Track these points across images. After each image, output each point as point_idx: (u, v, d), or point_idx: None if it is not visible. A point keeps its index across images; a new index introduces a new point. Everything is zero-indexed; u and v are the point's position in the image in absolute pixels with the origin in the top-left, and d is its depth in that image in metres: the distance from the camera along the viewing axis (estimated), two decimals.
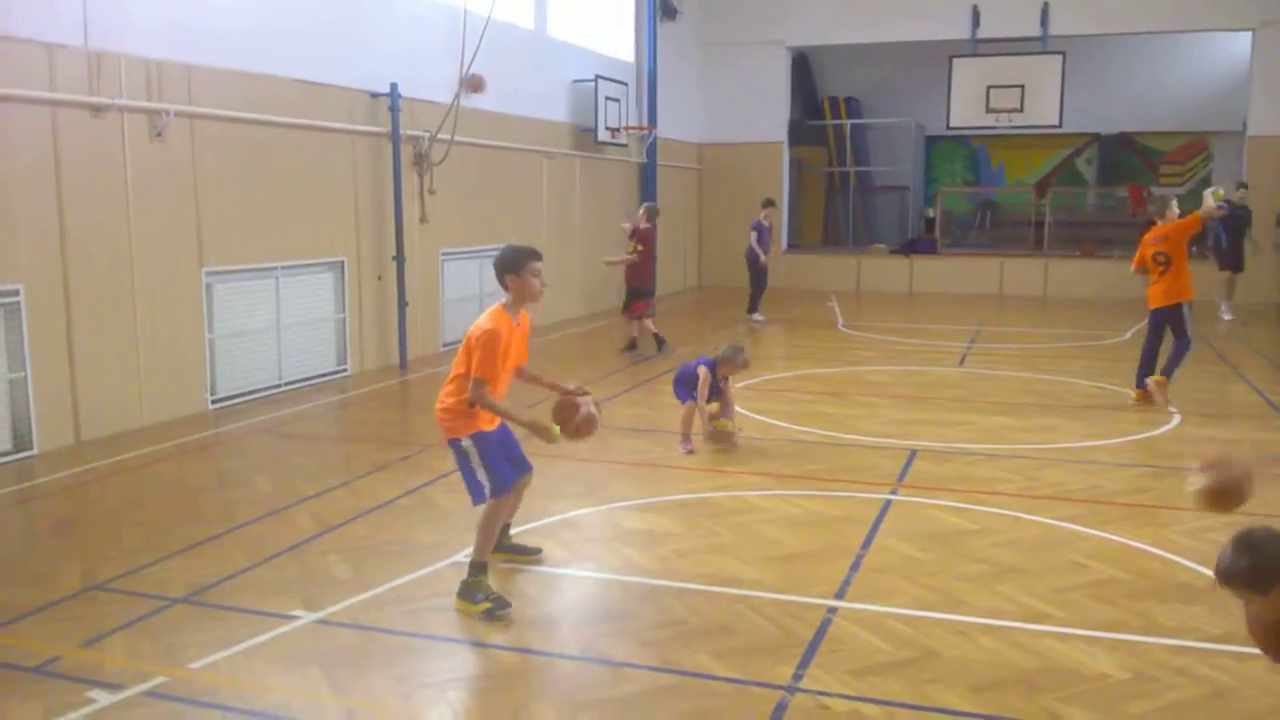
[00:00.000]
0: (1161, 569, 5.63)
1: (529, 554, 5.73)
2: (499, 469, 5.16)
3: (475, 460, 5.12)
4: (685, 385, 8.36)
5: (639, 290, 13.24)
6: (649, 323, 13.19)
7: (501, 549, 5.64)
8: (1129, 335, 14.86)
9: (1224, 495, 4.06)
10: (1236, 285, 16.96)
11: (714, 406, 8.37)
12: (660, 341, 12.98)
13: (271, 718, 4.07)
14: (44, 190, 8.04)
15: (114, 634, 4.79)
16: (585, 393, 5.31)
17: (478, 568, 5.11)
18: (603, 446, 8.39)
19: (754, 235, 16.16)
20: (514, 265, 5.12)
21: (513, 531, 5.82)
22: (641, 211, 13.46)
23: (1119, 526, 6.29)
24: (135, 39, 8.71)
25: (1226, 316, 16.38)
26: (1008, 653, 4.60)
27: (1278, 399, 10.17)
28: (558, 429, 5.13)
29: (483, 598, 5.00)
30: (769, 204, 16.65)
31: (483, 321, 5.04)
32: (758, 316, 16.40)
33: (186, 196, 9.29)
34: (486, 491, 5.13)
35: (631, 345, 13.10)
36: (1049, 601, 5.17)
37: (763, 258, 16.12)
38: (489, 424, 5.18)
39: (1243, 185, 17.16)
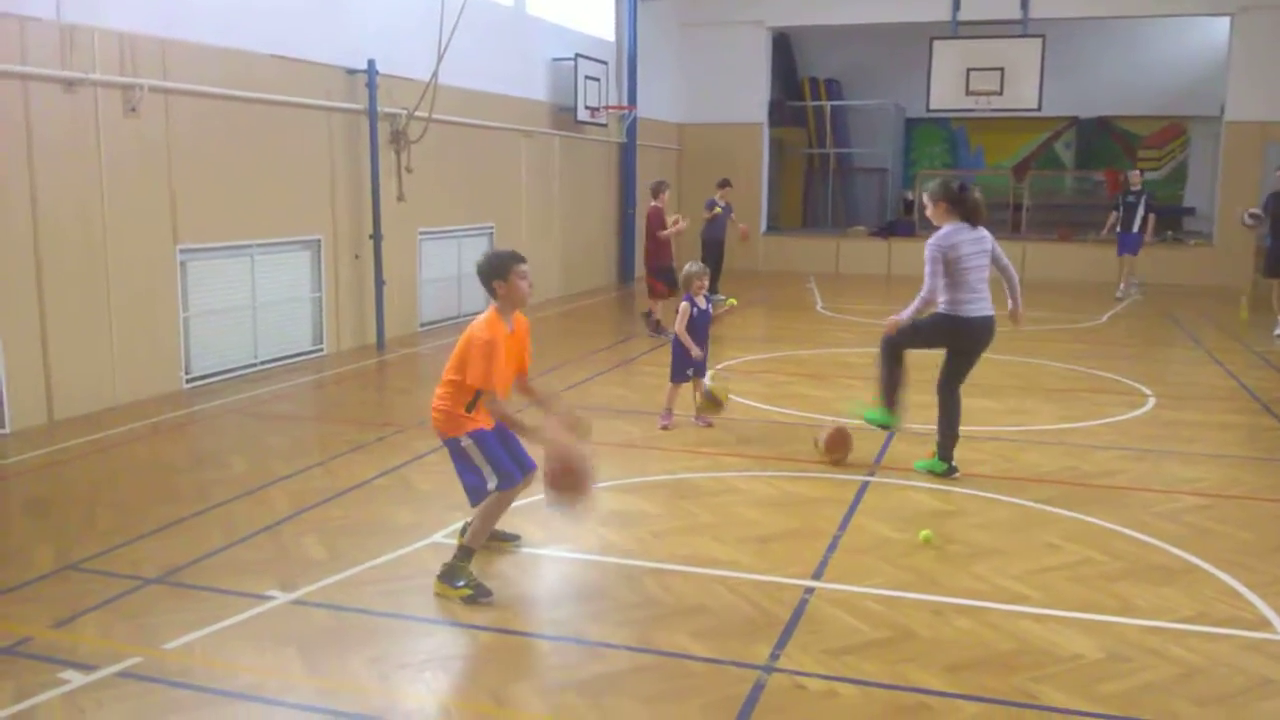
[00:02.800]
0: (1136, 550, 5.67)
1: (508, 540, 5.69)
2: (503, 463, 5.05)
3: (477, 457, 5.02)
4: (677, 357, 8.38)
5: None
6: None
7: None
8: (1105, 319, 14.96)
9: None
10: None
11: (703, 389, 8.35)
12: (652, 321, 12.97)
13: (246, 699, 4.05)
14: (15, 166, 7.93)
15: (87, 614, 4.75)
16: (576, 420, 5.19)
17: (465, 553, 5.04)
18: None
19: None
20: (500, 270, 5.03)
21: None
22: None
23: (1094, 508, 6.33)
24: (108, 12, 8.59)
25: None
26: (983, 633, 4.63)
27: (1250, 382, 10.26)
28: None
29: (463, 584, 4.95)
30: (725, 184, 16.51)
31: (478, 330, 4.94)
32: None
33: (161, 173, 9.19)
34: (491, 486, 5.02)
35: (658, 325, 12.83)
36: (1024, 582, 5.20)
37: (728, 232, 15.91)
38: (488, 421, 5.09)
39: None
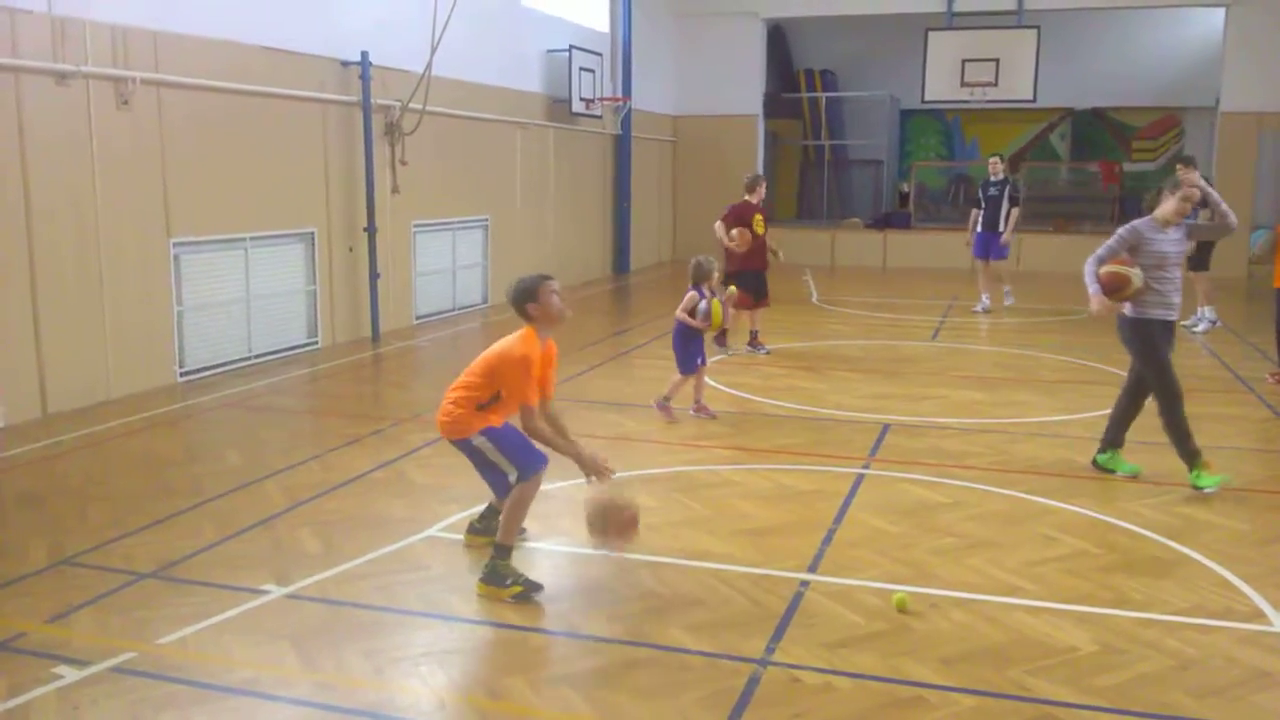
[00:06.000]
0: (1130, 543, 5.67)
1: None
2: (523, 452, 5.00)
3: (492, 454, 5.01)
4: (683, 347, 8.37)
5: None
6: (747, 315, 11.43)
7: (482, 532, 5.50)
8: None
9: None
10: None
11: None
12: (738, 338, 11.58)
13: (241, 693, 4.04)
14: (8, 159, 7.88)
15: (81, 609, 4.74)
16: (608, 472, 5.12)
17: (503, 550, 4.96)
18: (577, 420, 8.36)
19: None
20: (531, 293, 5.01)
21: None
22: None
23: (1089, 500, 6.34)
24: (100, 4, 8.54)
25: None
26: (978, 626, 4.63)
27: (1244, 373, 10.27)
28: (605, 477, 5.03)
29: (511, 582, 4.89)
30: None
31: (514, 345, 4.95)
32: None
33: (153, 166, 9.15)
34: (512, 479, 5.01)
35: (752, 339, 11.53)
36: (1019, 575, 5.20)
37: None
38: (497, 420, 5.05)
39: None
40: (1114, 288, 6.47)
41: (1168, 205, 6.50)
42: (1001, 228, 14.23)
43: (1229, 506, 6.29)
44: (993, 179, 14.44)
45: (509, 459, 5.01)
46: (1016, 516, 6.09)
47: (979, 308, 14.50)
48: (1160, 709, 3.94)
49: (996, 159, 14.69)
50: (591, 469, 5.08)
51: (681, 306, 8.34)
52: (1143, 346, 6.65)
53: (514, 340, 4.99)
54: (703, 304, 8.28)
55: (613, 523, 4.89)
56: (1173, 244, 6.54)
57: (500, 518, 5.10)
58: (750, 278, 11.06)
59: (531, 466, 5.02)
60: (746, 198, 11.23)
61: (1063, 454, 7.44)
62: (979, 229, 14.45)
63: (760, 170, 21.75)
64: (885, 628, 4.60)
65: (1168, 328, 6.64)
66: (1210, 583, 5.13)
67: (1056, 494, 6.46)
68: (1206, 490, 6.42)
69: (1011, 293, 15.03)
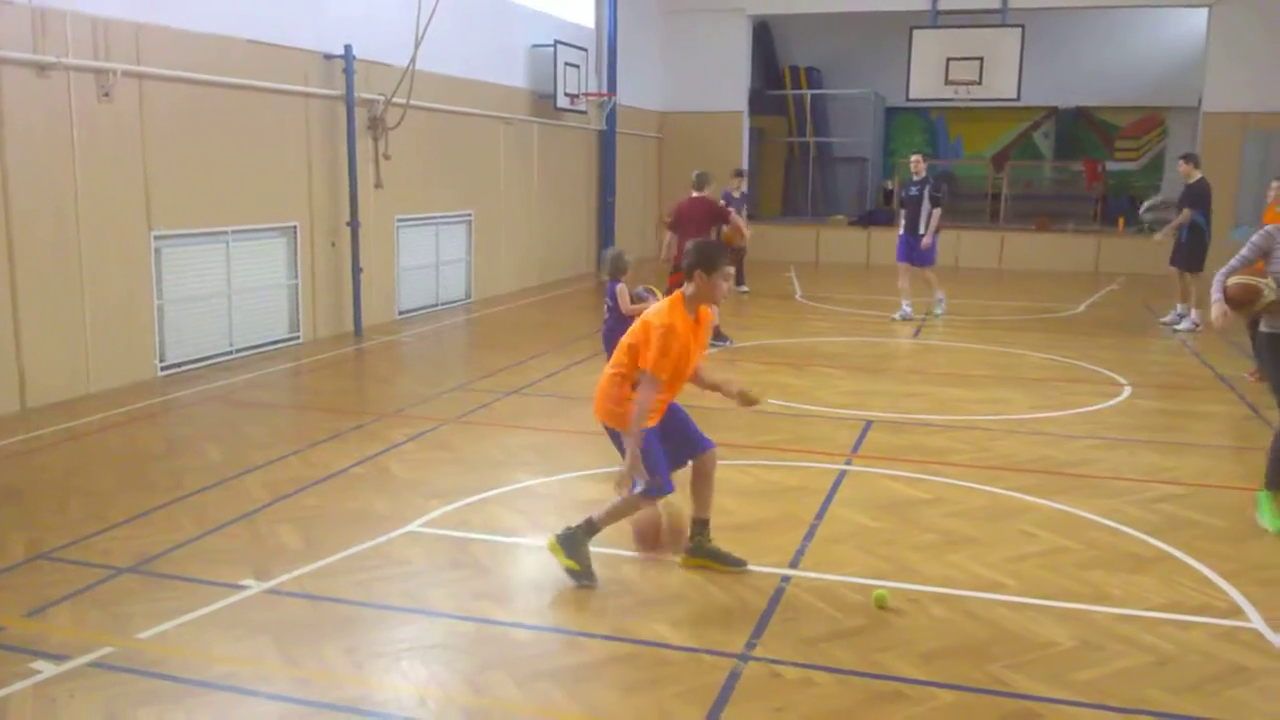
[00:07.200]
0: (1110, 539, 5.70)
1: (731, 564, 5.23)
2: (659, 472, 4.87)
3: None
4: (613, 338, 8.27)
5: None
6: None
7: (703, 554, 5.24)
8: (1082, 308, 15.04)
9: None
10: None
11: None
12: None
13: (220, 688, 4.02)
14: None
15: (59, 604, 4.71)
16: (753, 401, 5.29)
17: (589, 526, 5.02)
18: (561, 416, 8.38)
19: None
20: (711, 263, 4.88)
21: (480, 497, 5.75)
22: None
23: (1069, 497, 6.37)
24: None
25: None
26: (958, 621, 4.65)
27: (1225, 371, 10.32)
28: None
29: (577, 560, 4.95)
30: (739, 174, 16.44)
31: (658, 316, 4.81)
32: (744, 288, 16.26)
33: (135, 158, 9.09)
34: (638, 489, 4.87)
35: None
36: (999, 571, 5.22)
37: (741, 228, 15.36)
38: (652, 419, 4.89)
39: None
40: (1242, 300, 5.93)
41: None
42: (922, 230, 13.20)
43: (1208, 504, 6.33)
44: (914, 178, 13.45)
45: (645, 469, 4.83)
46: (997, 513, 6.11)
47: (898, 315, 13.43)
48: (1138, 704, 3.96)
49: (918, 157, 13.70)
50: (743, 400, 5.25)
51: (628, 303, 8.05)
52: (1275, 361, 6.13)
53: (656, 310, 4.88)
54: (639, 290, 8.06)
55: (668, 535, 4.87)
56: None
57: (608, 504, 5.06)
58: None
59: (658, 489, 4.89)
60: (704, 194, 11.13)
61: (1044, 451, 7.47)
62: (901, 231, 13.58)
63: (745, 166, 21.76)
64: (866, 623, 4.62)
65: None
66: (1189, 579, 5.17)
67: (1037, 490, 6.49)
68: (1262, 522, 5.93)
69: (944, 300, 13.83)
